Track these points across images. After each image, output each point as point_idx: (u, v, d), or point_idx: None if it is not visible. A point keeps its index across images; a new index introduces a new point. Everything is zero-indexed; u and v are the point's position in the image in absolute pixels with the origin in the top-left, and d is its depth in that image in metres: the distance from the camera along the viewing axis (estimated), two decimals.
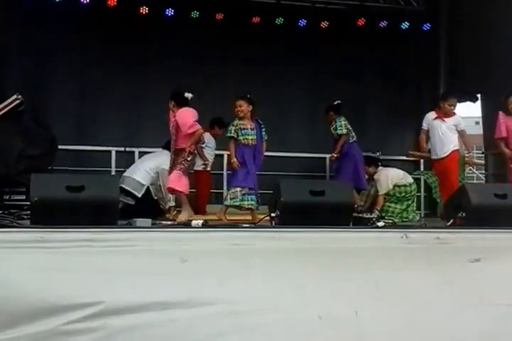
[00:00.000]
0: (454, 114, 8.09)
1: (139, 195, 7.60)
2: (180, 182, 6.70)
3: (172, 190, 6.88)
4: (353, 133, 8.66)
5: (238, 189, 7.03)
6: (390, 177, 8.31)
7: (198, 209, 8.47)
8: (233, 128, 7.13)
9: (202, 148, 8.44)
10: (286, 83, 10.23)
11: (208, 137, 8.58)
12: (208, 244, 4.19)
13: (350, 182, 8.15)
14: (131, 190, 7.51)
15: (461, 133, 8.02)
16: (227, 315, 3.78)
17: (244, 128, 7.12)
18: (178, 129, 6.75)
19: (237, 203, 7.05)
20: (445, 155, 7.90)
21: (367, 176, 8.56)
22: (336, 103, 8.81)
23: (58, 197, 4.46)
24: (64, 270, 3.79)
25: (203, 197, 8.89)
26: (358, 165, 8.58)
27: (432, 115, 8.08)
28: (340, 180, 7.92)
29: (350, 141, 8.60)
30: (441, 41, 10.84)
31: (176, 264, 3.93)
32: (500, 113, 7.80)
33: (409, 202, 8.39)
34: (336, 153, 8.51)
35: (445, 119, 7.95)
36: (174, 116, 6.75)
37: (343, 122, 8.59)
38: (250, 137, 7.14)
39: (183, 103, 6.80)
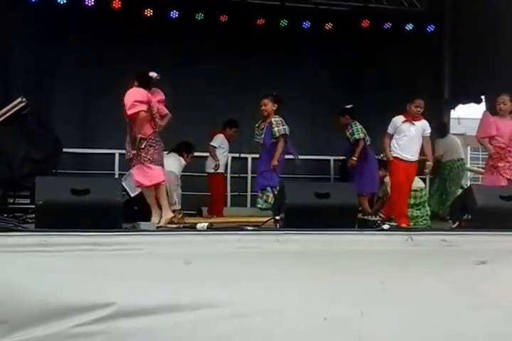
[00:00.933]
0: (422, 117, 7.80)
1: (132, 195, 7.41)
2: (142, 175, 6.36)
3: (139, 185, 6.55)
4: (368, 137, 8.67)
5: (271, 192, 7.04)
6: None
7: (215, 212, 8.46)
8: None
9: (214, 148, 8.47)
10: (290, 85, 10.19)
11: (221, 138, 8.59)
12: (213, 247, 4.18)
13: (367, 186, 8.22)
14: (127, 189, 7.29)
15: (426, 139, 7.76)
16: (232, 318, 3.78)
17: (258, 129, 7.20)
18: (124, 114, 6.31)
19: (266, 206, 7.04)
20: (415, 159, 7.67)
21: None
22: (349, 107, 8.83)
23: (63, 201, 4.45)
24: (69, 273, 3.79)
25: (218, 200, 8.86)
26: (375, 170, 8.64)
27: (400, 119, 7.79)
28: (358, 183, 7.85)
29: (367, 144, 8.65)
30: (445, 42, 10.84)
31: (181, 267, 3.92)
32: (487, 113, 7.73)
33: (420, 207, 8.29)
34: (355, 157, 8.49)
35: (414, 122, 7.70)
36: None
37: (358, 126, 8.65)
38: (258, 137, 7.17)
39: (146, 83, 6.38)
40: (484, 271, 4.39)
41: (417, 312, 4.05)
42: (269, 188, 6.99)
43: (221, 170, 8.73)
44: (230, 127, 8.82)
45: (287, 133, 7.19)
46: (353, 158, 8.53)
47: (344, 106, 8.83)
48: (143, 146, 6.30)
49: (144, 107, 6.25)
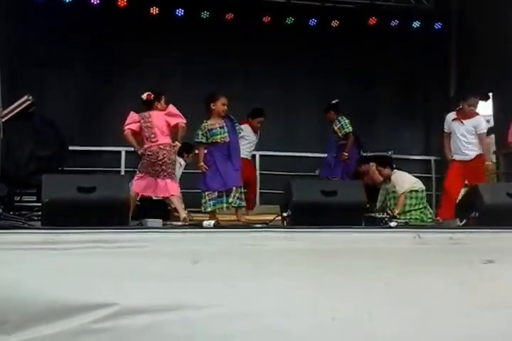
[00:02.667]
0: (476, 114, 7.63)
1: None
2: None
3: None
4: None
5: (207, 193, 6.81)
6: (407, 181, 8.21)
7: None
8: (200, 132, 6.92)
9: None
10: (296, 82, 10.21)
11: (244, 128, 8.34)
12: (220, 245, 4.17)
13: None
14: None
15: (480, 137, 7.59)
16: (240, 317, 3.75)
17: (211, 129, 6.90)
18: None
19: (210, 209, 6.80)
20: (470, 158, 7.53)
21: (381, 177, 8.52)
22: (334, 102, 8.88)
23: (69, 198, 4.45)
24: (76, 271, 3.78)
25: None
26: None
27: (451, 116, 7.76)
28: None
29: None
30: (452, 40, 10.79)
31: (188, 265, 3.91)
32: None
33: (422, 207, 8.24)
34: (347, 151, 8.53)
35: (463, 121, 7.57)
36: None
37: (346, 120, 8.73)
38: (219, 136, 6.87)
39: (143, 104, 6.70)
40: (492, 271, 4.36)
41: (423, 312, 4.00)
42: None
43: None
44: (253, 117, 8.70)
45: None
46: (345, 154, 8.66)
47: (337, 103, 8.87)
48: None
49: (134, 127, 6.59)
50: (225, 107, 6.89)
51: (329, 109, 8.86)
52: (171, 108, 6.70)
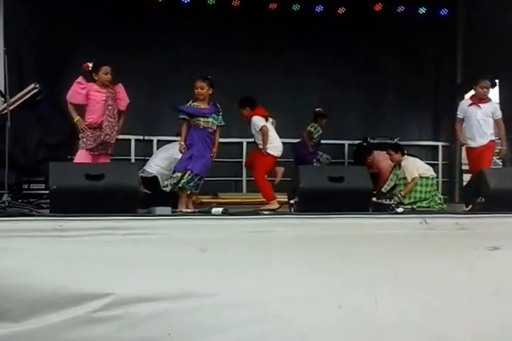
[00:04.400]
0: (489, 99, 7.65)
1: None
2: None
3: None
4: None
5: (179, 174, 6.48)
6: (417, 166, 8.20)
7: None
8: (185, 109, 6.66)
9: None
10: (302, 69, 10.16)
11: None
12: (228, 232, 4.19)
13: None
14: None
15: (498, 121, 7.57)
16: (247, 304, 3.78)
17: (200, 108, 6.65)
18: None
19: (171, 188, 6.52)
20: (482, 144, 7.49)
21: (391, 163, 8.53)
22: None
23: (77, 186, 4.47)
24: (84, 258, 3.81)
25: None
26: None
27: (466, 102, 7.74)
28: None
29: None
30: (458, 26, 10.72)
31: (196, 253, 3.93)
32: None
33: (432, 195, 8.23)
34: None
35: (480, 105, 7.52)
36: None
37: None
38: (202, 120, 6.64)
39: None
40: (498, 256, 4.38)
41: (430, 299, 4.03)
42: None
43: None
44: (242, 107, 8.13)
45: None
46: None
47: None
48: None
49: None
50: (198, 90, 6.59)
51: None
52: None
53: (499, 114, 7.64)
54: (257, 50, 9.79)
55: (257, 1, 9.92)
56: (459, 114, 7.73)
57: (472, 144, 7.62)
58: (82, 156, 6.29)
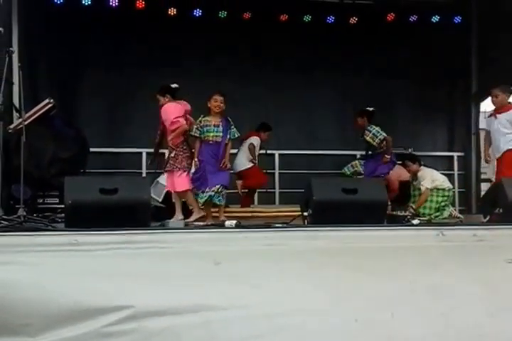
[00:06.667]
0: (508, 109, 7.21)
1: (159, 200, 7.39)
2: (176, 182, 6.67)
3: (176, 192, 6.75)
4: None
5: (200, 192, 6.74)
6: (434, 177, 8.15)
7: None
8: (195, 126, 6.81)
9: (254, 146, 8.51)
10: (315, 80, 10.16)
11: (258, 140, 8.62)
12: (242, 245, 4.17)
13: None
14: (154, 196, 6.94)
15: None
16: (262, 318, 3.74)
17: (206, 125, 6.77)
18: (163, 125, 6.84)
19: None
20: (499, 155, 7.23)
21: (407, 173, 8.47)
22: (371, 109, 8.58)
23: (92, 200, 4.50)
24: (99, 273, 3.81)
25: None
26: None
27: (488, 113, 7.58)
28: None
29: None
30: (472, 33, 10.68)
31: (210, 266, 3.91)
32: None
33: (445, 206, 8.16)
34: (389, 154, 8.39)
35: (497, 115, 7.25)
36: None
37: (376, 128, 8.42)
38: (211, 134, 6.73)
39: (174, 96, 6.86)
40: None
41: (447, 311, 3.97)
42: None
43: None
44: (265, 131, 8.84)
45: None
46: (387, 156, 8.34)
47: (366, 106, 8.66)
48: (173, 155, 6.69)
49: (184, 121, 6.75)
50: (218, 103, 6.72)
51: (362, 114, 8.51)
52: (188, 105, 6.91)
53: None
54: (268, 60, 9.82)
55: (268, 13, 9.93)
56: (486, 127, 7.53)
57: (497, 155, 7.41)
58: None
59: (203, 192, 6.64)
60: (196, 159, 6.72)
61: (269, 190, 9.75)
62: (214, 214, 6.81)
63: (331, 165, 9.76)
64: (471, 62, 10.71)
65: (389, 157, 8.36)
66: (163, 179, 7.18)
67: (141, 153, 9.43)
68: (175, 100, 6.88)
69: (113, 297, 3.68)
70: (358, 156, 9.40)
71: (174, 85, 6.92)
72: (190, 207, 6.84)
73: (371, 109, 8.56)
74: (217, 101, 6.72)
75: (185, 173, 6.69)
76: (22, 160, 5.23)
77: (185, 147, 6.76)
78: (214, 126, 6.74)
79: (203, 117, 6.77)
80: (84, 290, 3.71)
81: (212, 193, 6.59)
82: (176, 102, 6.84)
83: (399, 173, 8.62)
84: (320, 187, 5.01)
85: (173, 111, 6.72)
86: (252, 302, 3.79)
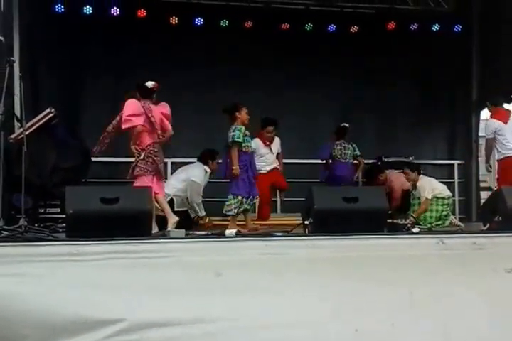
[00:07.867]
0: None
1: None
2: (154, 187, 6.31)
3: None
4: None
5: (240, 198, 6.96)
6: (433, 187, 8.16)
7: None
8: (240, 133, 6.96)
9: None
10: (316, 88, 10.18)
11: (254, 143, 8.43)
12: (242, 255, 4.17)
13: None
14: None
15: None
16: (262, 329, 3.75)
17: (247, 135, 7.08)
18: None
19: (232, 213, 7.00)
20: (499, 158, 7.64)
21: (407, 182, 8.50)
22: (342, 125, 9.27)
23: (93, 210, 4.50)
24: (100, 283, 3.80)
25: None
26: None
27: (495, 120, 7.80)
28: None
29: None
30: (473, 42, 10.69)
31: (211, 277, 3.91)
32: None
33: (447, 216, 8.17)
34: None
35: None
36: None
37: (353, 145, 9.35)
38: (250, 144, 7.17)
39: (144, 94, 6.46)
40: None
41: (448, 322, 3.97)
42: None
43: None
44: (262, 128, 8.44)
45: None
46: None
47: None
48: (142, 157, 6.37)
49: (140, 120, 6.34)
50: (248, 116, 7.01)
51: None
52: (167, 108, 6.63)
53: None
54: (270, 69, 9.84)
55: (270, 22, 9.96)
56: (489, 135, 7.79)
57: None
58: None
59: (247, 198, 6.91)
60: (237, 167, 6.86)
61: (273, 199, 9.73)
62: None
63: None
64: (471, 70, 10.72)
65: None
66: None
67: None
68: (151, 101, 6.53)
69: (114, 308, 3.68)
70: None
71: (150, 83, 6.53)
72: (161, 214, 6.58)
73: (344, 124, 9.27)
74: (247, 114, 7.01)
75: (154, 176, 6.44)
76: (23, 170, 5.24)
77: (156, 149, 6.46)
78: (248, 136, 7.09)
79: (241, 126, 6.98)
80: (84, 301, 3.70)
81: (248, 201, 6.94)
82: (143, 102, 6.44)
83: (402, 182, 8.64)
84: (321, 196, 5.01)
85: (129, 108, 6.36)
86: (252, 314, 3.79)
